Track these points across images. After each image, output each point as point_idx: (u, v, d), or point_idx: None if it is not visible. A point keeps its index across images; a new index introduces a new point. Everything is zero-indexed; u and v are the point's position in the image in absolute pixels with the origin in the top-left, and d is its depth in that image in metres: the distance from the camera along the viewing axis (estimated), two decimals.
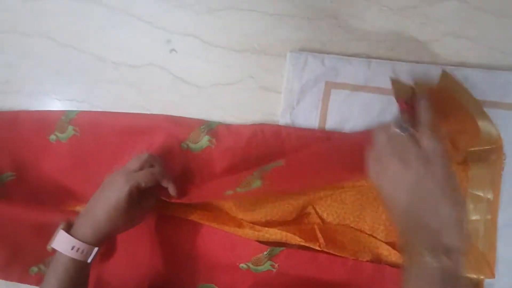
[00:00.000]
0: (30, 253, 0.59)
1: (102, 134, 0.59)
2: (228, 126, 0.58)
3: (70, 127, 0.60)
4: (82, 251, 0.46)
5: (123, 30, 0.59)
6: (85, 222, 0.48)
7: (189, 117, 0.59)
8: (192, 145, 0.57)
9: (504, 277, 0.53)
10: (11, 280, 0.61)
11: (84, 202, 0.59)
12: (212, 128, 0.57)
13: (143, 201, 0.50)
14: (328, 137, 0.55)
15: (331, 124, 0.56)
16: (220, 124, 0.58)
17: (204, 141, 0.57)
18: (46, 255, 0.59)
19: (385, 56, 0.55)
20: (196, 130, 0.57)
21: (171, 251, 0.57)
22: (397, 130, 0.40)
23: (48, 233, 0.56)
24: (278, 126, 0.57)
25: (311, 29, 0.56)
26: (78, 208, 0.60)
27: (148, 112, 0.60)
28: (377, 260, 0.53)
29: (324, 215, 0.55)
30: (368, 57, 0.55)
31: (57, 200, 0.61)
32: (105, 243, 0.50)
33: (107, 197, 0.48)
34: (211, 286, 0.57)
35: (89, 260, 0.47)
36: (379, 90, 0.54)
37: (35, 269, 0.60)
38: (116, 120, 0.60)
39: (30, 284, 0.61)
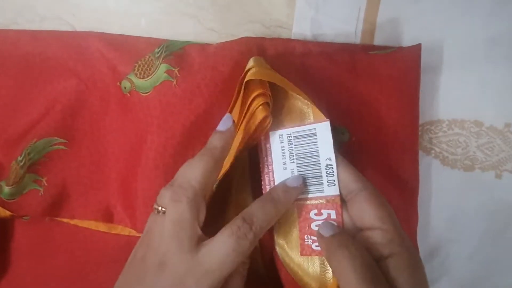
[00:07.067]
0: None
1: None
2: (203, 47, 0.33)
3: None
4: None
5: None
6: None
7: (137, 36, 0.35)
8: (139, 83, 0.33)
9: None
10: None
11: None
12: (175, 51, 0.33)
13: None
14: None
15: (383, 34, 0.31)
16: (188, 43, 0.33)
17: (160, 72, 0.32)
18: None
19: None
20: (146, 57, 0.33)
21: None
22: None
23: None
24: (289, 40, 0.32)
25: None
26: None
27: (72, 29, 0.36)
28: None
29: None
30: None
31: None
32: None
33: None
34: None
35: None
36: None
37: None
38: (19, 44, 0.35)
39: None
